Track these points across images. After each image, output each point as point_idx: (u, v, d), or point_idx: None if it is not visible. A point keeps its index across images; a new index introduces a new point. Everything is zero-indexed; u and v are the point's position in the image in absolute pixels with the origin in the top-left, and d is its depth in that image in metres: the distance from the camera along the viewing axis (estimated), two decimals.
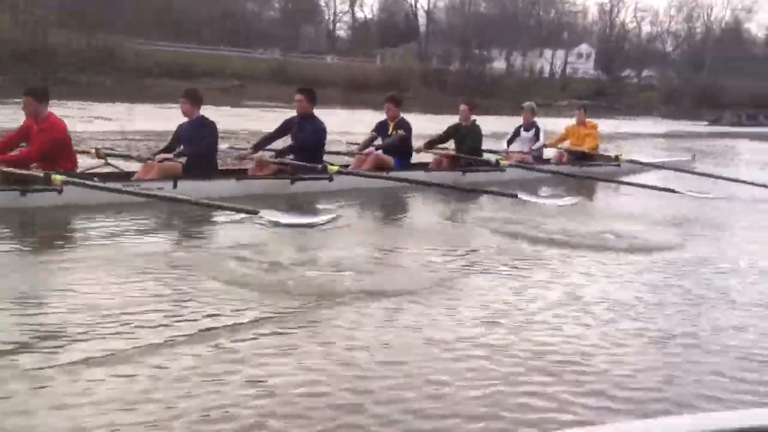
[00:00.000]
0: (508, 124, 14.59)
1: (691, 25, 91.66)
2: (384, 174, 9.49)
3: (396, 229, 8.33)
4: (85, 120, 20.34)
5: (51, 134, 7.44)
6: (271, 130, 9.48)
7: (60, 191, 6.94)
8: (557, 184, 10.57)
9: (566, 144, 13.29)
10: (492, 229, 7.75)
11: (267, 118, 21.42)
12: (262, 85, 50.08)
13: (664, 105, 70.49)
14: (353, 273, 5.43)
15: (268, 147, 9.49)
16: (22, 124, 7.84)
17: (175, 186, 7.84)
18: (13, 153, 7.57)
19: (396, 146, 10.26)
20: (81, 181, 7.24)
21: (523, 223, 7.92)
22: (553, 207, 8.32)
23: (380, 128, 10.62)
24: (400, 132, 10.22)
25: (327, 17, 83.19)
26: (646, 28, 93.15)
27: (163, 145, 9.12)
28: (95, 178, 7.70)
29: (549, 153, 13.18)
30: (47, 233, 6.71)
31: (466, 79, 63.21)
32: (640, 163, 13.62)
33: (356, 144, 10.66)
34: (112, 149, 9.77)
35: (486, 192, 9.49)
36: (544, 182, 11.03)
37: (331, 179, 8.90)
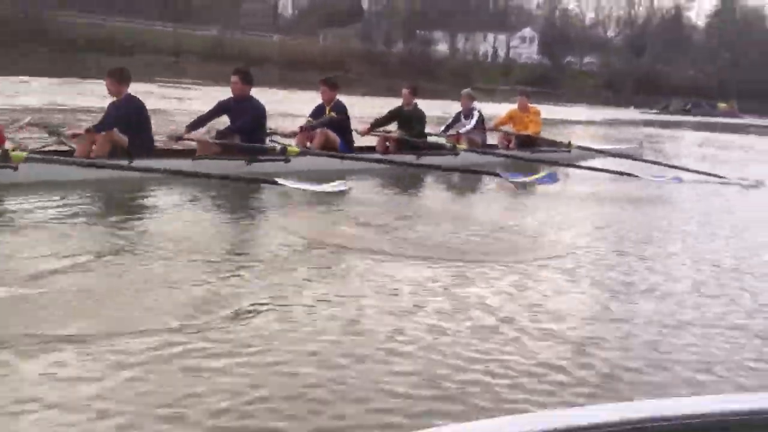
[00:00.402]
0: (450, 107, 14.53)
1: (632, 10, 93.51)
2: (348, 154, 9.57)
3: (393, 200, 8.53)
4: (13, 95, 19.82)
5: None
6: (204, 112, 9.31)
7: (15, 169, 6.86)
8: (507, 169, 10.50)
9: (508, 128, 13.29)
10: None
11: (203, 98, 21.10)
12: (199, 62, 49.44)
13: (604, 91, 71.90)
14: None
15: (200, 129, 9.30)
16: None
17: (130, 162, 7.68)
18: None
19: (335, 129, 10.17)
20: (42, 157, 7.25)
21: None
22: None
23: (317, 112, 10.48)
24: (332, 114, 10.19)
25: None
26: (590, 15, 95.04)
27: (88, 124, 8.83)
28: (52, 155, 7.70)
29: (493, 139, 13.18)
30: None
31: (409, 61, 63.39)
32: (592, 150, 13.58)
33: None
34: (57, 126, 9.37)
35: (462, 171, 9.99)
36: (498, 166, 10.91)
37: (287, 160, 8.87)
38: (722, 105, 64.44)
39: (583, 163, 11.65)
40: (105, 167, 7.42)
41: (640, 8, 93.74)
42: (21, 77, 27.31)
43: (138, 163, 7.75)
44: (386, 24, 74.91)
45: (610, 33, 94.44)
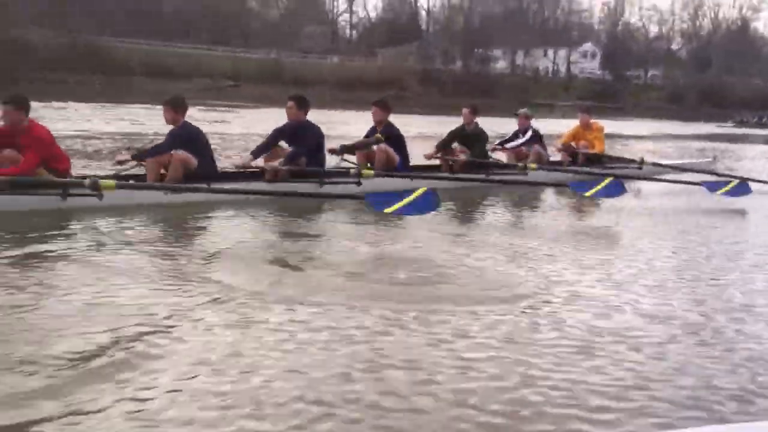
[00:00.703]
0: (509, 125, 14.18)
1: (697, 22, 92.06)
2: (417, 174, 9.79)
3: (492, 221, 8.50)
4: (73, 120, 20.17)
5: (42, 142, 7.40)
6: (264, 140, 9.44)
7: (101, 197, 6.94)
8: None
9: (581, 146, 12.68)
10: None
11: (262, 121, 21.20)
12: (256, 85, 50.01)
13: (668, 104, 70.64)
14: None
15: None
16: None
17: (209, 185, 7.93)
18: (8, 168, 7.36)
19: (393, 147, 10.13)
20: (132, 183, 7.64)
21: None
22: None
23: (370, 134, 10.50)
24: (378, 136, 10.04)
25: (331, 17, 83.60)
26: (653, 28, 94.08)
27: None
28: (131, 180, 8.00)
29: (558, 158, 12.75)
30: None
31: (466, 79, 63.15)
32: (665, 166, 12.98)
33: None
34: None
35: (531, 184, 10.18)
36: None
37: (359, 183, 8.98)
38: None
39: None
40: (188, 191, 7.73)
41: (705, 20, 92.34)
42: (75, 103, 27.78)
43: (217, 185, 7.97)
44: (444, 42, 74.95)
45: (674, 46, 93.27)
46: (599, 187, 8.94)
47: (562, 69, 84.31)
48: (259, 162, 9.16)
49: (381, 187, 8.72)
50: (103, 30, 48.50)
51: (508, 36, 73.89)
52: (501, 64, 76.28)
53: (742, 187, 9.95)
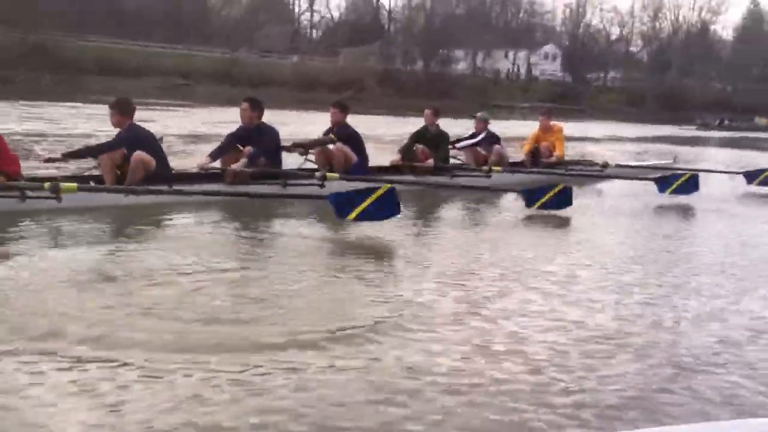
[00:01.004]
0: (468, 125, 14.11)
1: (657, 24, 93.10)
2: (387, 177, 9.80)
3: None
4: (23, 120, 19.61)
5: None
6: (220, 143, 9.40)
7: (60, 200, 7.06)
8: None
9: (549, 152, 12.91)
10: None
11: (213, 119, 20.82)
12: (211, 84, 49.40)
13: (627, 106, 71.25)
14: None
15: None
16: None
17: (170, 187, 8.02)
18: None
19: (352, 147, 10.03)
20: (93, 186, 7.78)
21: None
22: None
23: (326, 134, 10.33)
24: (330, 136, 10.04)
25: (293, 16, 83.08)
26: (614, 30, 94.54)
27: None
28: (91, 182, 8.10)
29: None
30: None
31: (426, 80, 63.20)
32: (628, 167, 13.53)
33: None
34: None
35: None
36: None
37: (322, 186, 8.82)
38: (763, 120, 63.48)
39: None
40: (150, 193, 7.67)
41: (665, 22, 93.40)
42: (24, 101, 27.00)
43: (179, 187, 8.02)
44: (405, 43, 74.94)
45: (634, 48, 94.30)
46: (547, 197, 8.92)
47: (524, 71, 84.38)
48: (217, 164, 9.15)
49: (341, 188, 8.47)
50: (60, 27, 47.50)
51: (470, 37, 73.75)
52: (462, 66, 76.43)
53: (690, 185, 10.62)
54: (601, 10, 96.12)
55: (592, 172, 12.74)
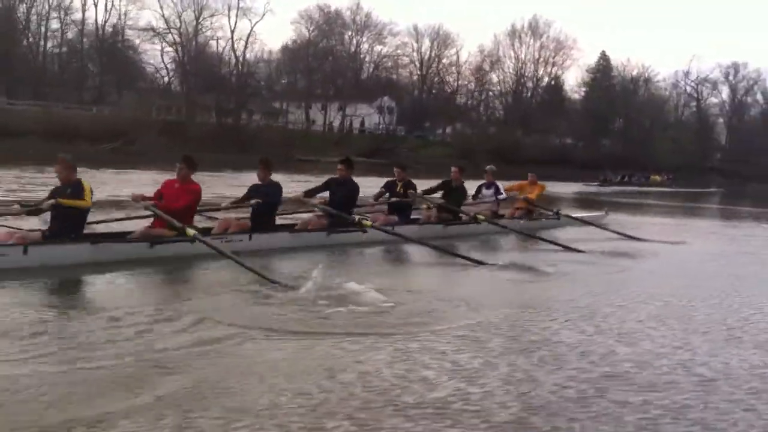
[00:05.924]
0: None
1: (496, 76, 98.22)
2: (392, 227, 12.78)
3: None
4: None
5: None
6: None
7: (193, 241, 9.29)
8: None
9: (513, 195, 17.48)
10: None
11: None
12: None
13: (458, 160, 71.54)
14: None
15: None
16: None
17: (250, 239, 10.59)
18: None
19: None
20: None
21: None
22: None
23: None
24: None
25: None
26: (454, 83, 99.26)
27: None
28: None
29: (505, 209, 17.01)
30: None
31: (216, 132, 63.65)
32: (574, 218, 17.48)
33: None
34: None
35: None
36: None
37: (364, 231, 11.71)
38: (656, 177, 76.34)
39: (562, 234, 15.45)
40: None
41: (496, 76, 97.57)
42: None
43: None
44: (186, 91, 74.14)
45: (467, 101, 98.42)
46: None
47: (346, 124, 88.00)
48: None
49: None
50: None
51: (288, 89, 78.36)
52: (284, 119, 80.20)
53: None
54: (440, 65, 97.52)
55: (550, 221, 17.22)
